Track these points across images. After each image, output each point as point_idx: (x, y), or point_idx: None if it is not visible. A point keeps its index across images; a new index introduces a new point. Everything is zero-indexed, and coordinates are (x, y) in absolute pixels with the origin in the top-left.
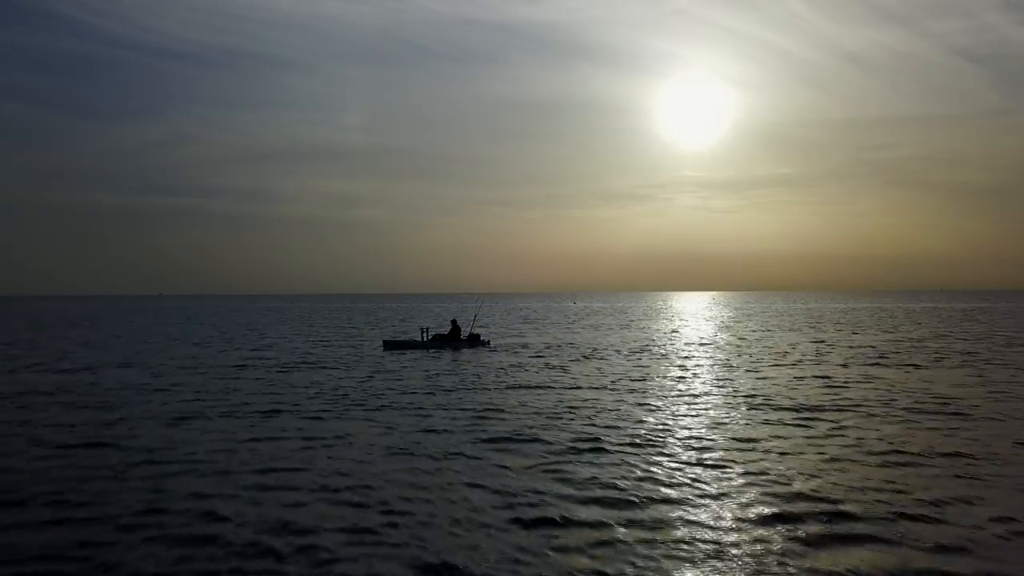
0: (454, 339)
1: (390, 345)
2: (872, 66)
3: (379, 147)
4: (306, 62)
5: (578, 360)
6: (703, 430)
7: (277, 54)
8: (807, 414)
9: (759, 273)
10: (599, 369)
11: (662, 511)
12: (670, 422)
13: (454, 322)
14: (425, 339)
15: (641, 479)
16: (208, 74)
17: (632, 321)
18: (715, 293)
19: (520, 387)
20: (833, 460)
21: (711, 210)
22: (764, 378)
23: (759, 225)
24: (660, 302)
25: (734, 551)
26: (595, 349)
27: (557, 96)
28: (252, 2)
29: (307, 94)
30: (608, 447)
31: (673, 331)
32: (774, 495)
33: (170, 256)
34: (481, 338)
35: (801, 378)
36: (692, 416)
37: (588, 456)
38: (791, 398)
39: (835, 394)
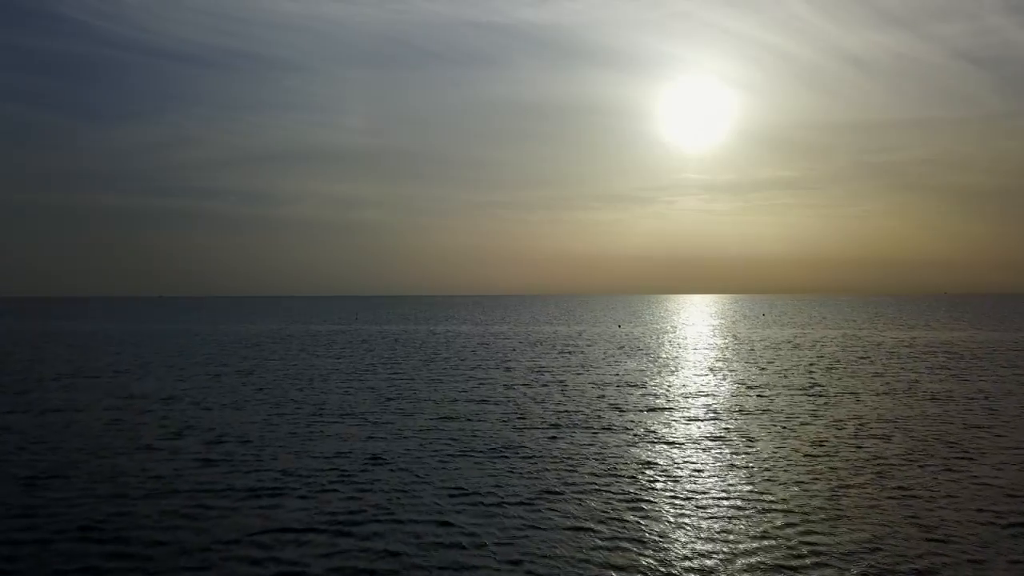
0: None
1: None
2: (875, 69)
3: (380, 149)
4: (307, 64)
5: None
6: None
7: (278, 56)
8: None
9: (761, 276)
10: None
11: None
12: None
13: None
14: None
15: None
16: (209, 75)
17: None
18: (728, 296)
19: None
20: None
21: (713, 213)
22: None
23: (761, 228)
24: (705, 316)
25: None
26: None
27: (559, 98)
28: (253, 4)
29: (308, 96)
30: None
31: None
32: None
33: (170, 257)
34: None
35: None
36: None
37: None
38: None
39: None
